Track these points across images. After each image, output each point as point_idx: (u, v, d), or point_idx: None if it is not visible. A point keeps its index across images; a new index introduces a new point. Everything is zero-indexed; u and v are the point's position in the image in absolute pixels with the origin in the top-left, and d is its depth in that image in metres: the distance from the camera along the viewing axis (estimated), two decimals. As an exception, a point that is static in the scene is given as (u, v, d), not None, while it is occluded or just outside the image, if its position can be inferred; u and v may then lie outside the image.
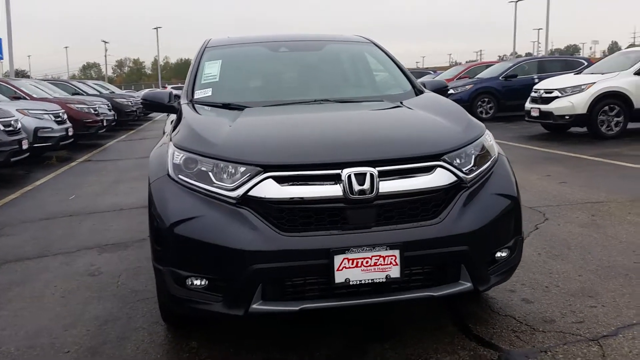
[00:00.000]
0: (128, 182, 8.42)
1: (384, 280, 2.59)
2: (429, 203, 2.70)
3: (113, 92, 21.12)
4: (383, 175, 2.64)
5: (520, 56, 61.23)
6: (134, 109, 19.72)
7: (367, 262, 2.56)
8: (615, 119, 11.08)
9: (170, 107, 3.78)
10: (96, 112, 14.00)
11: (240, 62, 4.17)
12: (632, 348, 2.83)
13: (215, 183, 2.69)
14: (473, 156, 2.88)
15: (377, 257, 2.57)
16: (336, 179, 2.61)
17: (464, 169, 2.80)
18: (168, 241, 2.69)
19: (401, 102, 3.56)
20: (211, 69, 3.89)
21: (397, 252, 2.57)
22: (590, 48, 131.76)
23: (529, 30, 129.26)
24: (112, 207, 6.67)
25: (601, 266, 4.03)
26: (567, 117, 11.28)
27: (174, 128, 3.23)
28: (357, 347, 2.97)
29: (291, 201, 2.59)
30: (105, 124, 14.65)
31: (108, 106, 15.95)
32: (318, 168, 2.63)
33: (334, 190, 2.59)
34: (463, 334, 3.08)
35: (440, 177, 2.72)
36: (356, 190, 2.57)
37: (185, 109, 3.42)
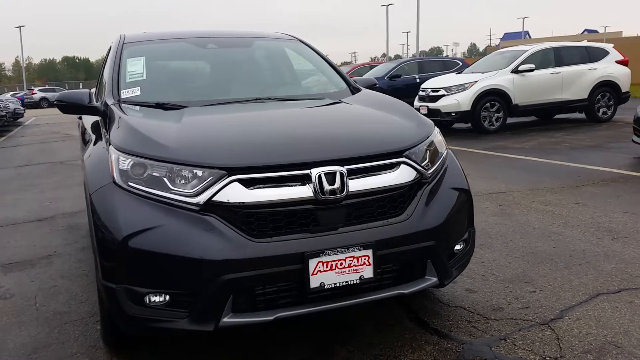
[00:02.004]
0: (13, 194, 7.65)
1: (358, 281, 2.52)
2: (396, 200, 2.68)
3: (-22, 97, 19.15)
4: (351, 173, 2.57)
5: (391, 58, 64.07)
6: (4, 113, 18.00)
7: (341, 264, 2.48)
8: (496, 114, 11.88)
9: (92, 108, 3.44)
10: (-37, 119, 12.60)
11: (167, 59, 3.90)
12: (581, 329, 2.99)
13: (172, 189, 2.47)
14: (428, 152, 2.90)
15: (351, 258, 2.50)
16: (305, 179, 2.50)
17: (422, 165, 2.81)
18: (122, 256, 2.43)
19: (340, 100, 3.52)
20: (135, 67, 3.59)
21: (370, 252, 2.52)
22: (452, 50, 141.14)
23: (399, 33, 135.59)
24: (4, 221, 6.00)
25: (526, 253, 4.26)
26: (453, 114, 11.90)
27: (107, 131, 2.93)
28: (324, 351, 2.87)
29: (260, 205, 2.44)
30: (-28, 130, 13.23)
31: (-26, 111, 14.42)
32: (286, 169, 2.50)
33: (303, 191, 2.48)
34: (422, 328, 3.10)
35: (404, 174, 2.70)
36: (327, 190, 2.48)
37: (117, 109, 3.12)
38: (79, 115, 4.42)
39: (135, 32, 4.15)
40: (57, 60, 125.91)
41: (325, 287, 2.47)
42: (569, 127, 12.33)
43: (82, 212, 6.23)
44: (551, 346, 2.83)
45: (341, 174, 2.52)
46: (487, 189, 6.55)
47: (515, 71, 11.88)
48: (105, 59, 4.88)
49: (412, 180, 2.72)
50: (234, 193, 2.42)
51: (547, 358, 2.72)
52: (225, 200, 2.42)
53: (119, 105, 3.21)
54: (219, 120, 3.04)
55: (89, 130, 3.57)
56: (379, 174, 2.65)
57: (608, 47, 12.98)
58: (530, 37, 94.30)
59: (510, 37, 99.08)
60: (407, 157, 2.74)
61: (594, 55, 12.66)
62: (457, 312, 3.28)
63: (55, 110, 3.50)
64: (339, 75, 4.01)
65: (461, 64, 17.67)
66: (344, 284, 2.50)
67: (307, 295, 2.48)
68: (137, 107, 3.19)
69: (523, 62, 11.97)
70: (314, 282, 2.45)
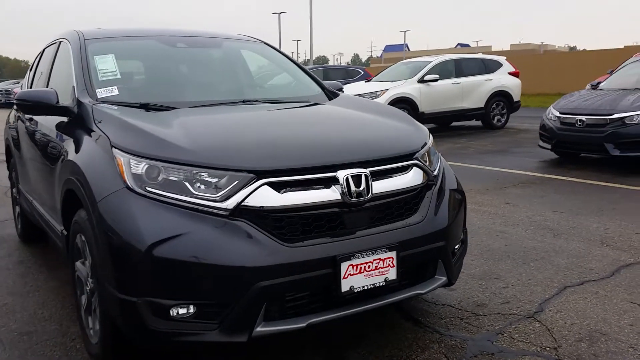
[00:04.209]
0: None
1: (384, 283, 2.53)
2: (410, 202, 2.72)
3: None
4: (372, 176, 2.58)
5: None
6: None
7: (368, 266, 2.48)
8: (404, 121, 12.35)
9: (62, 108, 3.16)
10: None
11: (138, 57, 3.66)
12: (565, 320, 3.20)
13: (195, 194, 2.34)
14: (428, 155, 2.98)
15: (378, 261, 2.50)
16: (331, 182, 2.47)
17: (428, 167, 2.87)
18: (146, 267, 2.25)
19: (325, 103, 3.52)
20: (106, 65, 3.35)
21: (394, 254, 2.54)
22: (337, 59, 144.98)
23: (288, 41, 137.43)
24: None
25: (482, 250, 4.48)
26: (364, 121, 12.23)
27: (102, 132, 2.69)
28: (337, 356, 2.84)
29: (291, 209, 2.37)
30: None
31: None
32: (313, 172, 2.45)
33: (331, 194, 2.45)
34: (420, 328, 3.16)
35: (416, 176, 2.76)
36: (354, 192, 2.47)
37: (104, 109, 2.89)
38: (25, 117, 4.02)
39: (91, 29, 3.85)
40: None
41: (355, 290, 2.45)
42: (468, 133, 13.12)
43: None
44: (546, 337, 3.00)
45: (366, 176, 2.52)
46: (419, 192, 6.79)
47: (421, 81, 12.47)
48: (40, 57, 4.52)
49: (423, 182, 2.78)
50: (265, 197, 2.34)
51: (547, 348, 2.88)
52: (256, 205, 2.33)
53: (101, 106, 2.97)
54: (226, 122, 2.92)
55: (54, 132, 3.27)
56: (395, 176, 2.68)
57: (501, 59, 14.01)
58: (409, 49, 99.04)
59: (392, 49, 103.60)
60: (416, 159, 2.80)
61: (489, 66, 13.60)
62: (445, 310, 3.38)
63: None
64: (311, 79, 4.00)
65: (363, 72, 18.25)
66: (371, 286, 2.50)
67: (338, 299, 2.45)
68: (125, 108, 2.97)
69: (428, 73, 12.59)
70: (345, 285, 2.42)
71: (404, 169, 2.73)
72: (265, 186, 2.35)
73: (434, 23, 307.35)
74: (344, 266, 2.40)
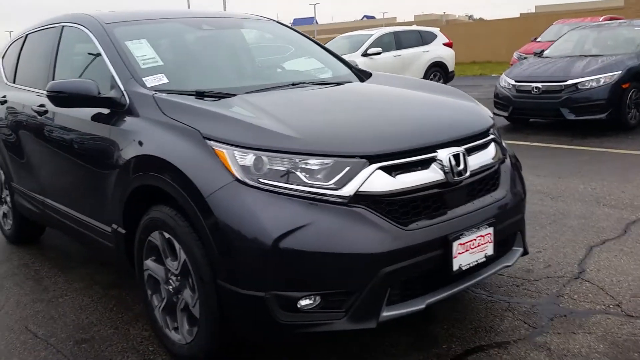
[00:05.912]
0: None
1: (485, 259, 2.58)
2: (493, 177, 2.78)
3: None
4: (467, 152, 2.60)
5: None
6: None
7: (473, 244, 2.52)
8: (350, 95, 12.45)
9: (105, 100, 2.94)
10: None
11: (169, 41, 3.42)
12: (610, 278, 3.40)
13: (308, 183, 2.27)
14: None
15: (480, 237, 2.55)
16: (431, 162, 2.47)
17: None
18: (273, 260, 2.18)
19: (371, 83, 3.51)
20: (142, 51, 3.13)
21: (492, 230, 2.59)
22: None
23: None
24: None
25: (495, 219, 4.64)
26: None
27: (181, 123, 2.53)
28: (426, 334, 2.88)
29: (403, 192, 2.36)
30: None
31: None
32: (417, 153, 2.44)
33: (434, 174, 2.45)
34: (486, 299, 3.25)
35: (495, 151, 2.82)
36: (456, 171, 2.49)
37: (170, 98, 2.72)
38: (33, 112, 3.67)
39: (101, 12, 3.57)
40: None
41: (463, 268, 2.49)
42: (411, 105, 13.42)
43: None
44: (603, 296, 3.18)
45: (463, 154, 2.54)
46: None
47: (365, 54, 12.58)
48: (22, 44, 4.18)
49: (501, 157, 2.84)
50: (379, 182, 2.32)
51: (610, 306, 3.06)
52: (372, 190, 2.30)
53: (163, 95, 2.78)
54: (310, 106, 2.83)
55: (93, 125, 3.03)
56: (480, 153, 2.72)
57: (436, 30, 14.37)
58: (317, 22, 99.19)
59: (300, 23, 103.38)
60: (493, 134, 2.86)
61: (426, 38, 13.93)
62: (498, 279, 3.49)
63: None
64: (335, 58, 3.95)
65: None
66: (475, 263, 2.54)
67: (449, 277, 2.48)
68: (188, 97, 2.79)
69: (370, 46, 12.71)
70: (455, 264, 2.45)
71: (485, 145, 2.77)
72: (379, 170, 2.32)
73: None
74: (455, 245, 2.43)
